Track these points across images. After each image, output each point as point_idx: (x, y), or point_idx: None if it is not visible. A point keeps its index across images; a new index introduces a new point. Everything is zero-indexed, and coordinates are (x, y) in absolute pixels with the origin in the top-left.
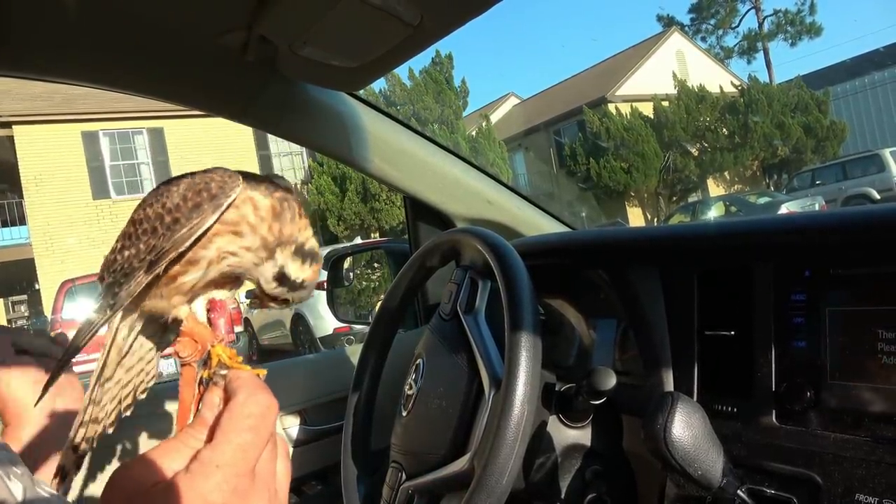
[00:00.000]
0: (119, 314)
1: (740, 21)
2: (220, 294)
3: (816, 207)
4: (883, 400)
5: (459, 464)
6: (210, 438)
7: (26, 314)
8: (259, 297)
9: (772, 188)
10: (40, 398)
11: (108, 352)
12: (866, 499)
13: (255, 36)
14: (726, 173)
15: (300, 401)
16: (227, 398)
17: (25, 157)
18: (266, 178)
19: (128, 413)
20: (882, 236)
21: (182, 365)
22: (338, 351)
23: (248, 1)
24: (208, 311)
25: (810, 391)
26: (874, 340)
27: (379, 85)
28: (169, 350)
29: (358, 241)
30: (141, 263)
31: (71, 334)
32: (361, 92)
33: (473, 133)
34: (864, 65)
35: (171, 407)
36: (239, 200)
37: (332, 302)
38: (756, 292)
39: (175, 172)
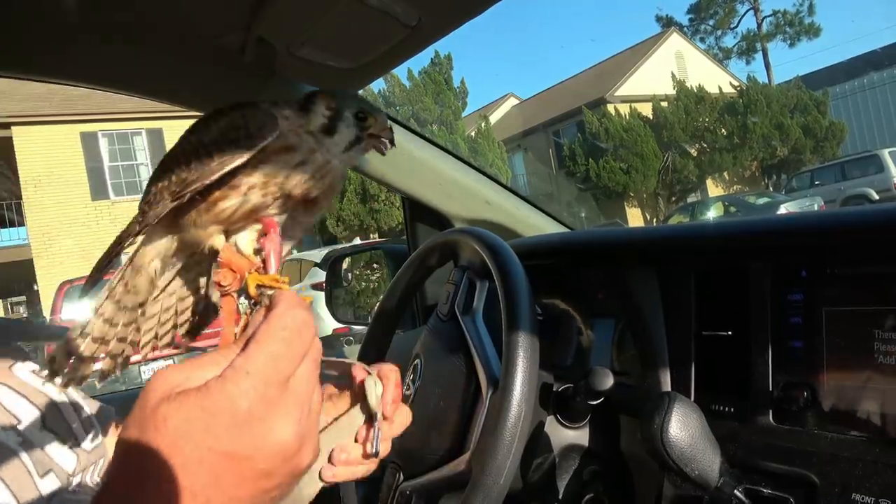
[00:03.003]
0: (152, 245)
1: (739, 22)
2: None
3: (815, 208)
4: (879, 400)
5: (457, 464)
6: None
7: (25, 315)
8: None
9: (771, 189)
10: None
11: (132, 278)
12: (862, 498)
13: (253, 37)
14: (725, 174)
15: None
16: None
17: (24, 158)
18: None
19: (164, 351)
20: (879, 237)
21: (222, 296)
22: (336, 352)
23: (246, 2)
24: (260, 239)
25: (807, 391)
26: (871, 340)
27: (378, 85)
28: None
29: (357, 241)
30: (171, 194)
31: None
32: (361, 92)
33: (472, 134)
34: (862, 66)
35: None
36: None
37: (330, 302)
38: (753, 292)
39: None
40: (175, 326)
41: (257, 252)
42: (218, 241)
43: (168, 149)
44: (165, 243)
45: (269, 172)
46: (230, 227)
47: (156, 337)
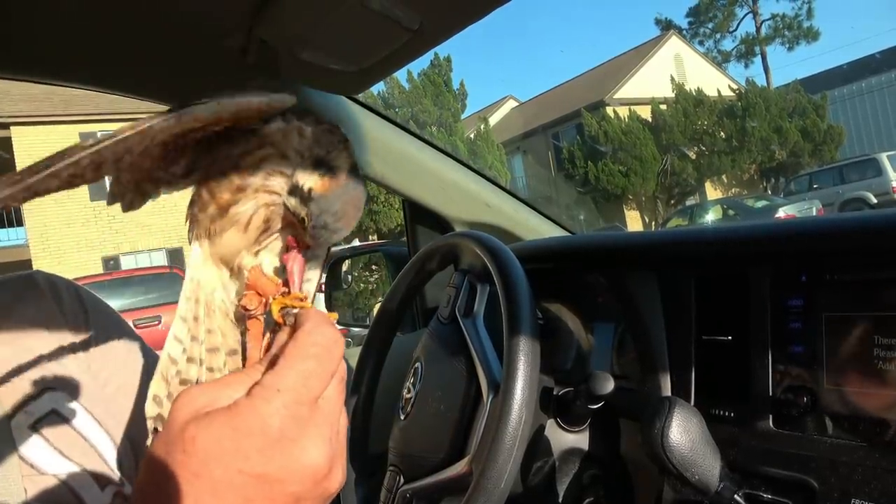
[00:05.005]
0: (203, 274)
1: (738, 25)
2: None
3: (813, 211)
4: (879, 405)
5: (457, 467)
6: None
7: None
8: (296, 235)
9: (769, 192)
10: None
11: (208, 320)
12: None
13: (255, 39)
14: (724, 177)
15: None
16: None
17: (23, 158)
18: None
19: None
20: (878, 242)
21: (248, 318)
22: None
23: (248, 4)
24: (285, 260)
25: (807, 396)
26: (870, 346)
27: (377, 87)
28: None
29: (356, 243)
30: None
31: None
32: (360, 94)
33: (472, 136)
34: (860, 70)
35: None
36: (289, 128)
37: (329, 304)
38: (753, 297)
39: None
40: None
41: (278, 272)
42: (248, 260)
43: None
44: (213, 268)
45: (269, 174)
46: (259, 244)
47: None
